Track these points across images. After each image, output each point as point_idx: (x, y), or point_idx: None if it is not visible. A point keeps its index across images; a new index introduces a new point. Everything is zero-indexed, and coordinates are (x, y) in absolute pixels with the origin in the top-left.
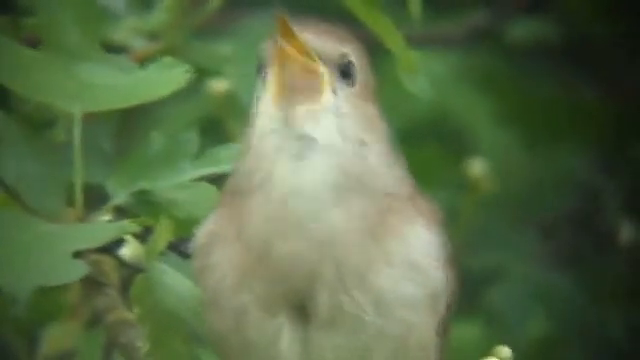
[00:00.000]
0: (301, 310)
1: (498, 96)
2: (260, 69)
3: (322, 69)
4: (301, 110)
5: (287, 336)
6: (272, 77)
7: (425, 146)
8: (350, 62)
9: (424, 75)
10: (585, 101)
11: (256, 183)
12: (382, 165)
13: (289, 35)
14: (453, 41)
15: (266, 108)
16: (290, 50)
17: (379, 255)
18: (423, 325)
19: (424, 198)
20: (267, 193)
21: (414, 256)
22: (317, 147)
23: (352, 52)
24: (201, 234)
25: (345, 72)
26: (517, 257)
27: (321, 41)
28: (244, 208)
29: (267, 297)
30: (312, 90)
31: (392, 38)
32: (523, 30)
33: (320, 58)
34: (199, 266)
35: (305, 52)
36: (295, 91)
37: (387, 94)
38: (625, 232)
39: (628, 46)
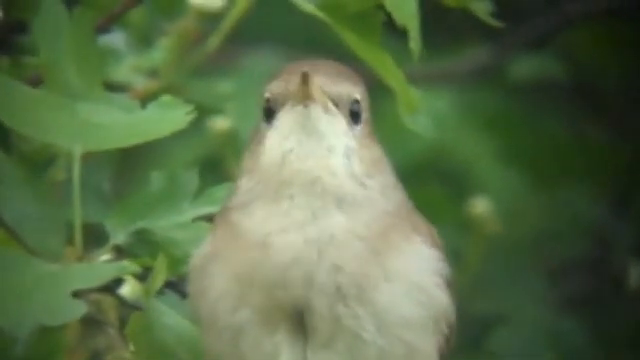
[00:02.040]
0: (299, 326)
1: (501, 134)
2: (269, 106)
3: (337, 111)
4: (316, 147)
5: (285, 356)
6: (288, 115)
7: (427, 185)
8: (358, 103)
9: (426, 113)
10: (592, 141)
11: (260, 197)
12: (385, 191)
13: (310, 81)
14: (456, 78)
15: (277, 142)
16: (313, 93)
17: (378, 270)
18: (426, 345)
19: (424, 220)
20: (272, 202)
21: (413, 273)
22: (325, 184)
23: (360, 93)
24: (195, 258)
25: (353, 112)
26: (524, 301)
27: (334, 84)
28: (245, 215)
29: (265, 309)
30: (327, 131)
31: (393, 76)
32: (527, 67)
33: (333, 100)
34: (195, 290)
35: (322, 94)
36: (311, 130)
37: (388, 132)
38: (634, 276)
39: (636, 85)
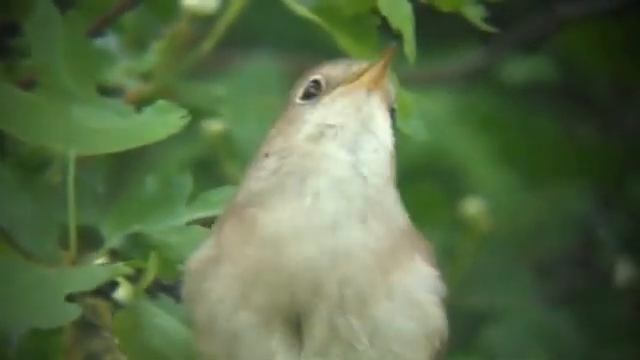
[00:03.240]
0: (296, 332)
1: (494, 135)
2: (312, 88)
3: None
4: (365, 139)
5: None
6: (344, 96)
7: (421, 185)
8: (395, 112)
9: (419, 115)
10: (583, 140)
11: (285, 185)
12: (397, 202)
13: (387, 69)
14: (449, 80)
15: (329, 119)
16: (384, 81)
17: (382, 287)
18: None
19: (420, 235)
20: (295, 197)
21: (414, 292)
22: (362, 176)
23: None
24: (194, 260)
25: (392, 116)
26: (515, 296)
27: (391, 87)
28: (262, 212)
29: (265, 310)
30: (381, 122)
31: None
32: (519, 69)
33: (387, 98)
34: (191, 293)
35: (386, 90)
36: (369, 114)
37: None
38: (623, 272)
39: (627, 86)
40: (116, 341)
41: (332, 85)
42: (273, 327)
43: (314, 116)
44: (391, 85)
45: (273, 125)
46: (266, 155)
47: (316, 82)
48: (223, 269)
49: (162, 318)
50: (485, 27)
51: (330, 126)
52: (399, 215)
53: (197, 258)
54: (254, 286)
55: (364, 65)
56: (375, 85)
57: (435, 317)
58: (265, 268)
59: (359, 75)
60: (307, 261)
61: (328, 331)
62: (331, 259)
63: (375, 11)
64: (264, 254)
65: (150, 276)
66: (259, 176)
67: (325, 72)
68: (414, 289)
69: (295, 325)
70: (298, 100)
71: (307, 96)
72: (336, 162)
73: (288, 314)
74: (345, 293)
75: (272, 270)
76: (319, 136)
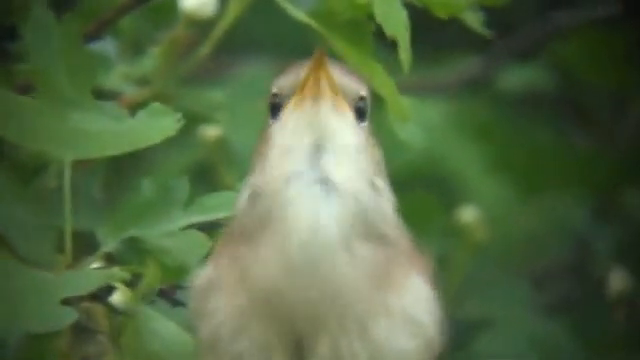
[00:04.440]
0: (298, 354)
1: (490, 144)
2: (275, 102)
3: (348, 107)
4: (326, 144)
5: None
6: (298, 108)
7: (416, 193)
8: (365, 102)
9: (415, 122)
10: (578, 150)
11: (268, 221)
12: (391, 212)
13: (323, 70)
14: (445, 88)
15: (286, 140)
16: (324, 84)
17: (380, 306)
18: None
19: (418, 248)
20: (280, 234)
21: (413, 309)
22: (337, 190)
23: (365, 90)
24: (200, 277)
25: (359, 111)
26: (509, 305)
27: (345, 80)
28: (250, 251)
29: (265, 340)
30: (338, 127)
31: (384, 85)
32: (516, 78)
33: (343, 94)
34: (196, 309)
35: (335, 88)
36: (321, 124)
37: (378, 140)
38: (617, 281)
39: (622, 95)
40: (114, 346)
41: (287, 97)
42: (275, 350)
43: (276, 139)
44: (347, 78)
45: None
46: (251, 174)
47: (275, 95)
48: (222, 296)
49: (160, 323)
50: (484, 32)
51: (290, 149)
52: (390, 227)
53: (202, 276)
54: (252, 318)
55: (304, 72)
56: (319, 90)
57: (433, 333)
58: (261, 305)
59: (302, 85)
60: (301, 297)
61: (330, 352)
62: (324, 292)
63: (371, 17)
64: (258, 295)
65: (149, 284)
66: (242, 209)
67: (279, 84)
68: (412, 307)
69: (297, 346)
70: (269, 118)
71: (273, 111)
72: (304, 191)
73: (289, 343)
74: (344, 321)
75: (268, 308)
76: (284, 164)
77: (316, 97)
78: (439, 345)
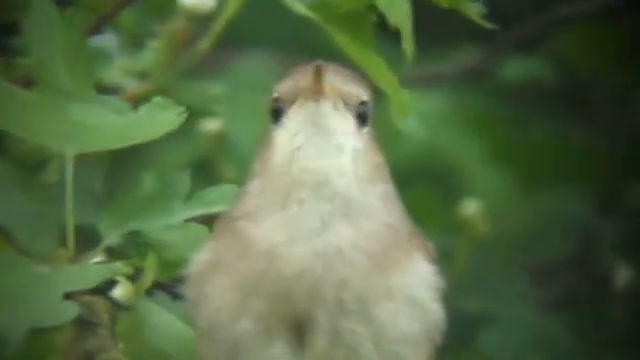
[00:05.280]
0: (298, 339)
1: (491, 136)
2: (277, 107)
3: (346, 110)
4: (325, 145)
5: None
6: (298, 112)
7: (417, 186)
8: (365, 105)
9: (416, 114)
10: (581, 142)
11: (271, 202)
12: (386, 202)
13: (322, 76)
14: (445, 80)
15: (285, 141)
16: (325, 89)
17: (381, 287)
18: (419, 358)
19: (421, 235)
20: (281, 209)
21: (415, 291)
22: (334, 185)
23: (367, 95)
24: (196, 263)
25: (360, 114)
26: (511, 300)
27: (344, 83)
28: (254, 225)
29: (266, 319)
30: (337, 128)
31: (385, 78)
32: (516, 69)
33: (343, 98)
34: (194, 295)
35: (333, 90)
36: (320, 126)
37: (378, 134)
38: (620, 276)
39: (624, 87)
40: (116, 341)
41: (288, 101)
42: (275, 334)
43: (279, 141)
44: (348, 83)
45: (260, 143)
46: (252, 178)
47: (276, 100)
48: (220, 279)
49: (162, 317)
50: (485, 24)
51: (294, 148)
52: (390, 212)
53: (198, 261)
54: (252, 296)
55: (306, 77)
56: (321, 95)
57: (435, 313)
58: (261, 279)
59: (304, 90)
60: (300, 266)
61: (331, 336)
62: (324, 261)
63: (372, 8)
64: (258, 265)
65: (149, 277)
66: (247, 196)
67: (280, 89)
68: (414, 289)
69: (297, 331)
70: (270, 123)
71: (275, 116)
72: (309, 172)
73: (290, 321)
74: (343, 296)
75: (268, 280)
76: (289, 160)
77: (318, 101)
78: (441, 334)
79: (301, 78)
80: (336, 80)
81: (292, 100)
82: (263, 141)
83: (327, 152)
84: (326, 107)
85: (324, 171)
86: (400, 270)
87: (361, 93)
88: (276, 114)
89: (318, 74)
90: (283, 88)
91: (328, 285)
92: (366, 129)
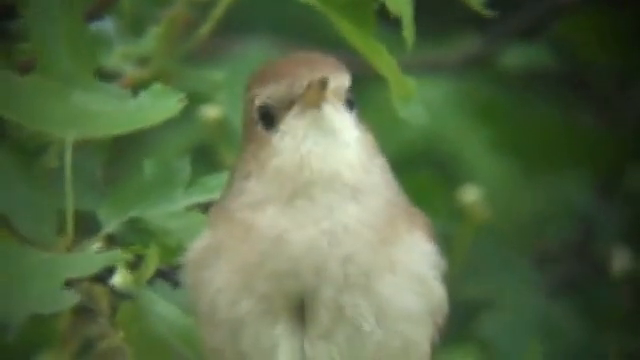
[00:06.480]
0: (299, 317)
1: (492, 123)
2: (267, 112)
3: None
4: (334, 145)
5: (284, 348)
6: (301, 119)
7: (418, 173)
8: (351, 92)
9: (417, 101)
10: (582, 129)
11: (275, 196)
12: (384, 174)
13: (327, 86)
14: (447, 67)
15: (292, 146)
16: (326, 95)
17: (385, 261)
18: (422, 338)
19: (419, 212)
20: (287, 200)
21: (417, 266)
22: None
23: (348, 79)
24: (194, 249)
25: (349, 102)
26: (512, 286)
27: (334, 79)
28: (257, 210)
29: (268, 299)
30: (341, 128)
31: (386, 65)
32: (517, 56)
33: (337, 96)
34: (193, 282)
35: (333, 95)
36: (327, 130)
37: (380, 120)
38: (621, 261)
39: (625, 73)
40: (114, 327)
41: (282, 107)
42: (276, 314)
43: (285, 145)
44: (336, 75)
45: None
46: (247, 175)
47: (266, 105)
48: (221, 263)
49: (162, 305)
50: (486, 11)
51: (304, 153)
52: (393, 193)
53: (196, 247)
54: (256, 276)
55: (305, 82)
56: (322, 97)
57: (437, 292)
58: (265, 260)
59: (305, 94)
60: (308, 244)
61: (333, 313)
62: (331, 237)
63: None
64: (262, 247)
65: (151, 266)
66: (246, 194)
67: (269, 94)
68: (417, 264)
69: (298, 311)
70: (257, 125)
71: (264, 119)
72: (321, 173)
73: (292, 300)
74: (348, 270)
75: (273, 260)
76: (299, 163)
77: (319, 106)
78: (443, 316)
79: (295, 84)
80: (332, 81)
81: (287, 106)
82: (251, 141)
83: (336, 151)
84: (329, 110)
85: (335, 168)
86: (404, 245)
87: (345, 80)
88: (266, 118)
89: (323, 86)
90: (274, 94)
91: (334, 260)
92: (354, 112)
